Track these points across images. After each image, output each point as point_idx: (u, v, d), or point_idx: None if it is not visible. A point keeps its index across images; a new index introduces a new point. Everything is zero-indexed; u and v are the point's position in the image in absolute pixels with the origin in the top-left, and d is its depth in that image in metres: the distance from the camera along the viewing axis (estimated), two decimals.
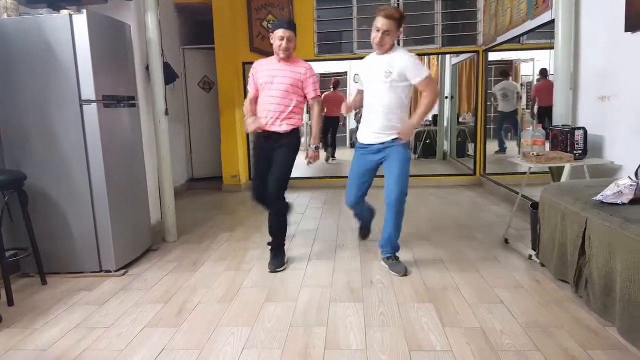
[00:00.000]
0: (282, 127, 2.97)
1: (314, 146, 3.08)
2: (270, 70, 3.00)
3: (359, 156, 3.04)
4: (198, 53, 6.19)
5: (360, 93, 3.09)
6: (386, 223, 2.92)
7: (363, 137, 2.98)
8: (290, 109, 2.97)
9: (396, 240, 2.94)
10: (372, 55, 2.96)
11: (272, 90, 2.97)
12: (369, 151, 2.95)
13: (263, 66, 3.06)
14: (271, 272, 2.98)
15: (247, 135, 6.10)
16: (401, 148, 2.87)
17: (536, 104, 5.76)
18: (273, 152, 3.01)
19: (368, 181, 3.06)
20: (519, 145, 6.38)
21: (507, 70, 6.50)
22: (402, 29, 2.83)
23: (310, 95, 3.02)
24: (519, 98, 6.41)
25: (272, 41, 2.98)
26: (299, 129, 3.07)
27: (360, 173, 3.03)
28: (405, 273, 2.83)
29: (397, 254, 2.97)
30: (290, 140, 3.01)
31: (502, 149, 6.47)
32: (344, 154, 8.88)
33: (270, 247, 3.14)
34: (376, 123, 2.88)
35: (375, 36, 2.76)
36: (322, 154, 8.62)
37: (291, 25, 2.94)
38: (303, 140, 7.60)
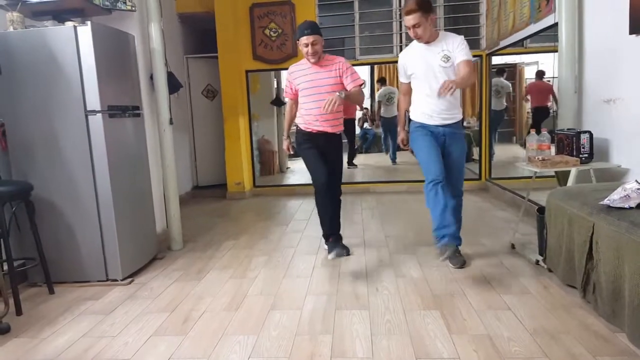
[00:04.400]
0: (333, 128, 3.22)
1: (342, 94, 2.93)
2: (307, 75, 3.16)
3: (424, 132, 3.04)
4: (201, 62, 6.23)
5: (408, 86, 3.19)
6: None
7: (427, 119, 3.05)
8: (340, 107, 3.12)
9: (458, 230, 3.07)
10: (416, 45, 3.05)
11: (321, 94, 3.07)
12: (433, 129, 3.03)
13: (299, 72, 3.21)
14: (339, 256, 3.06)
15: (251, 142, 6.13)
16: (462, 138, 3.11)
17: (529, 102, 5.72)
18: (328, 150, 3.24)
19: (440, 151, 3.02)
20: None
21: (503, 68, 6.42)
22: (432, 14, 2.91)
23: (350, 86, 3.11)
24: (510, 97, 6.33)
25: (299, 47, 3.11)
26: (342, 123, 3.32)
27: (432, 141, 3.00)
28: (461, 265, 3.01)
29: (459, 247, 3.11)
30: (339, 139, 3.34)
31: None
32: (358, 160, 8.42)
33: (330, 240, 3.24)
34: (440, 106, 2.99)
35: (410, 33, 2.94)
36: None
37: (313, 29, 3.03)
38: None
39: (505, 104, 6.29)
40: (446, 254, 2.80)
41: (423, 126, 3.06)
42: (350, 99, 3.09)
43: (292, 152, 3.42)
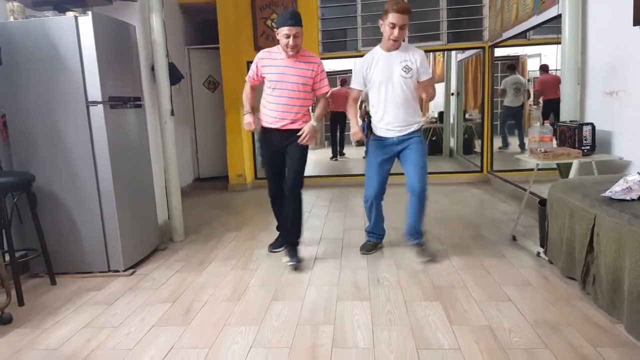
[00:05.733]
0: (296, 124, 3.00)
1: (313, 122, 2.99)
2: (279, 67, 2.94)
3: (376, 147, 3.08)
4: (203, 53, 6.20)
5: (359, 93, 3.11)
6: (411, 211, 3.05)
7: (382, 132, 3.03)
8: (303, 108, 3.01)
9: (421, 226, 3.10)
10: (377, 52, 2.99)
11: (285, 90, 2.95)
12: (389, 143, 3.02)
13: (270, 60, 2.98)
14: (295, 267, 3.01)
15: (253, 134, 6.12)
16: (419, 139, 3.02)
17: (533, 96, 5.76)
18: (287, 146, 3.04)
19: (387, 172, 3.11)
20: (525, 141, 6.39)
21: (514, 64, 6.46)
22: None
23: (323, 91, 3.04)
24: (527, 93, 6.37)
25: (277, 37, 2.90)
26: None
27: (380, 163, 3.07)
28: (431, 258, 3.00)
29: (423, 239, 3.15)
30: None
31: (505, 145, 6.43)
32: (350, 152, 9.05)
33: (288, 245, 3.19)
34: (396, 117, 2.96)
35: (391, 32, 2.81)
36: (328, 151, 8.68)
37: (297, 20, 2.82)
38: None
39: (522, 100, 6.31)
40: (365, 250, 3.23)
41: (379, 141, 3.05)
42: (320, 119, 3.10)
43: (255, 127, 3.10)
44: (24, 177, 2.75)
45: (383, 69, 2.93)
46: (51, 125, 2.92)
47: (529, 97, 6.41)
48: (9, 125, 2.95)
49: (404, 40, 2.97)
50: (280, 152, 3.08)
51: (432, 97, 3.01)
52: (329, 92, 3.10)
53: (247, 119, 3.08)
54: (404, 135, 2.99)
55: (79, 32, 2.84)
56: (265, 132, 3.11)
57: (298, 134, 2.97)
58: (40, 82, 2.88)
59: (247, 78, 3.16)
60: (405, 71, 2.88)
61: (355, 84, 3.08)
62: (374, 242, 3.30)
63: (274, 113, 3.01)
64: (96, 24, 2.86)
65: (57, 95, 2.89)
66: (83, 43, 2.85)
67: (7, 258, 2.66)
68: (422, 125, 3.08)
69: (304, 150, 3.05)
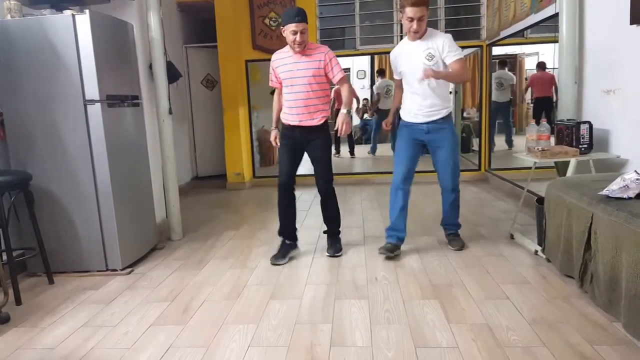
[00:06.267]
0: (315, 121, 3.01)
1: (346, 110, 3.00)
2: (288, 65, 2.99)
3: (406, 132, 3.12)
4: (201, 51, 6.19)
5: (399, 82, 3.23)
6: (444, 205, 3.24)
7: (411, 117, 3.08)
8: (320, 100, 3.01)
9: (456, 219, 3.26)
10: (404, 42, 3.09)
11: (296, 86, 2.98)
12: (418, 129, 3.06)
13: (281, 60, 3.04)
14: (330, 256, 3.17)
15: (251, 133, 6.11)
16: (451, 133, 3.07)
17: (530, 94, 5.77)
18: (308, 144, 3.07)
19: (416, 157, 3.14)
20: (513, 138, 6.37)
21: (505, 59, 6.44)
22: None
23: (337, 78, 3.00)
24: (513, 89, 6.35)
25: (284, 34, 2.93)
26: (327, 120, 3.09)
27: (408, 144, 3.10)
28: (460, 247, 3.16)
29: (459, 231, 3.29)
30: (325, 132, 3.06)
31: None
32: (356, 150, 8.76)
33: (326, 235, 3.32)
34: (423, 103, 3.01)
35: (410, 25, 2.89)
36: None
37: (303, 17, 2.88)
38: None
39: (510, 96, 6.30)
40: (386, 252, 3.04)
41: (408, 126, 3.10)
42: (349, 105, 3.07)
43: (278, 145, 3.16)
44: (22, 176, 2.74)
45: (407, 58, 3.01)
46: (49, 123, 2.91)
47: (514, 94, 6.38)
48: (6, 124, 2.95)
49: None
50: (299, 147, 3.10)
51: (462, 77, 3.07)
52: (340, 82, 3.04)
53: (272, 135, 3.22)
54: (432, 122, 3.01)
55: (77, 30, 2.83)
56: (287, 129, 3.11)
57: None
58: (37, 81, 2.87)
59: (270, 84, 3.21)
60: (428, 59, 2.91)
61: (395, 75, 3.25)
62: (394, 243, 3.10)
63: (291, 110, 3.04)
64: (94, 22, 2.85)
65: (55, 93, 2.88)
66: (80, 41, 2.84)
67: (5, 257, 2.66)
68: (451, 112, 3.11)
69: (325, 148, 3.09)
